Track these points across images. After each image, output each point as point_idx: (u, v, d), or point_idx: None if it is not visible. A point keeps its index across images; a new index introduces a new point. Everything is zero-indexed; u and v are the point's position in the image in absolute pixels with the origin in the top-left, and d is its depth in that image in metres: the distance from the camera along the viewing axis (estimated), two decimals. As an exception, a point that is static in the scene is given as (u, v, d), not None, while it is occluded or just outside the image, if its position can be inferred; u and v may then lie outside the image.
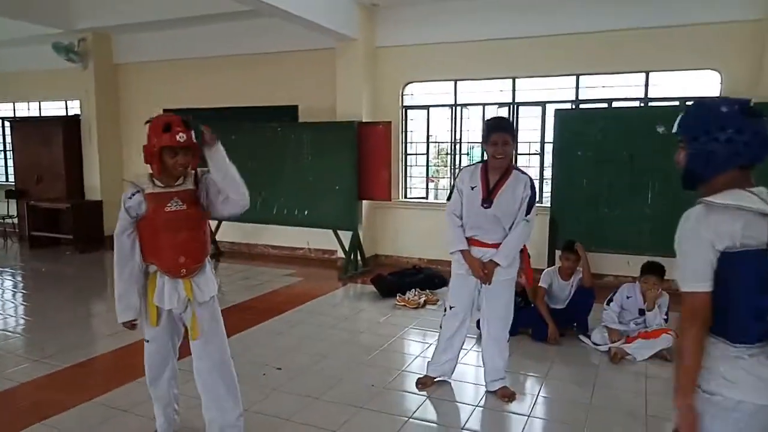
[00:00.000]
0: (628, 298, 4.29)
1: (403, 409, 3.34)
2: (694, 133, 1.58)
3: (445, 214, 3.37)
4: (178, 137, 2.48)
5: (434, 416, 3.31)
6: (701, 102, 1.65)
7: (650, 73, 6.01)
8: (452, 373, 3.62)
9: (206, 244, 2.73)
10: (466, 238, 3.30)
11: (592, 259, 4.70)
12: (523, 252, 3.40)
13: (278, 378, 3.73)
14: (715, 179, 1.55)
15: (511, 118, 6.55)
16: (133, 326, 2.66)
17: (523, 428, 3.12)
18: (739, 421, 1.49)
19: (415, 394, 3.53)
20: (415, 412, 3.30)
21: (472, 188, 3.23)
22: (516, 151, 3.26)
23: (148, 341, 2.75)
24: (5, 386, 3.62)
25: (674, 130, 1.65)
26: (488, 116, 6.62)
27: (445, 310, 3.53)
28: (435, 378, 3.60)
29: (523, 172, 3.27)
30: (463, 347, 3.66)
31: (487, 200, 3.17)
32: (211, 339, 2.70)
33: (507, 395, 3.40)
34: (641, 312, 4.26)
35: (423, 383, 3.58)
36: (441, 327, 3.57)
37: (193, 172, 2.67)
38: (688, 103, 1.65)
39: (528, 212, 3.19)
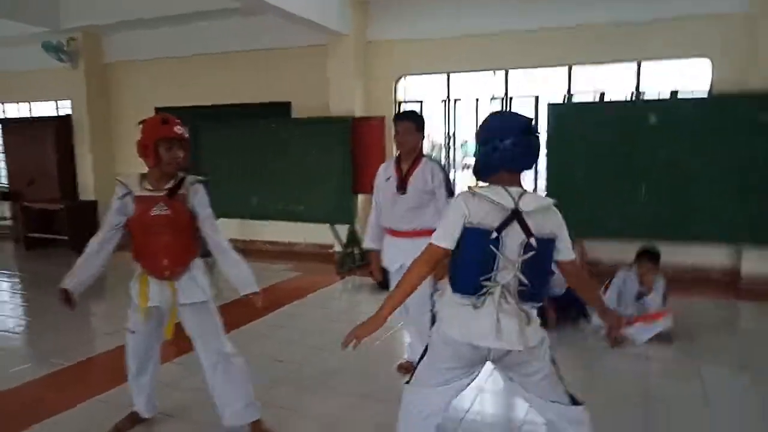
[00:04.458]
0: (624, 283, 4.34)
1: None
2: (484, 137, 2.01)
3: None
4: (176, 129, 2.56)
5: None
6: (495, 114, 2.19)
7: (642, 63, 6.05)
8: None
9: (191, 247, 2.72)
10: (385, 228, 3.43)
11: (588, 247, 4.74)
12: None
13: (279, 370, 3.76)
14: (494, 176, 2.00)
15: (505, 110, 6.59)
16: (66, 299, 2.66)
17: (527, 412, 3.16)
18: (452, 350, 2.02)
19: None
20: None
21: (387, 180, 3.38)
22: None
23: (133, 332, 2.79)
24: (7, 386, 3.60)
25: (474, 132, 2.07)
26: (481, 110, 6.66)
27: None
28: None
29: (432, 159, 3.41)
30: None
31: (402, 187, 3.30)
32: (207, 339, 2.74)
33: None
34: (639, 296, 4.31)
35: (405, 368, 3.59)
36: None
37: (181, 176, 2.67)
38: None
39: (450, 195, 3.24)
